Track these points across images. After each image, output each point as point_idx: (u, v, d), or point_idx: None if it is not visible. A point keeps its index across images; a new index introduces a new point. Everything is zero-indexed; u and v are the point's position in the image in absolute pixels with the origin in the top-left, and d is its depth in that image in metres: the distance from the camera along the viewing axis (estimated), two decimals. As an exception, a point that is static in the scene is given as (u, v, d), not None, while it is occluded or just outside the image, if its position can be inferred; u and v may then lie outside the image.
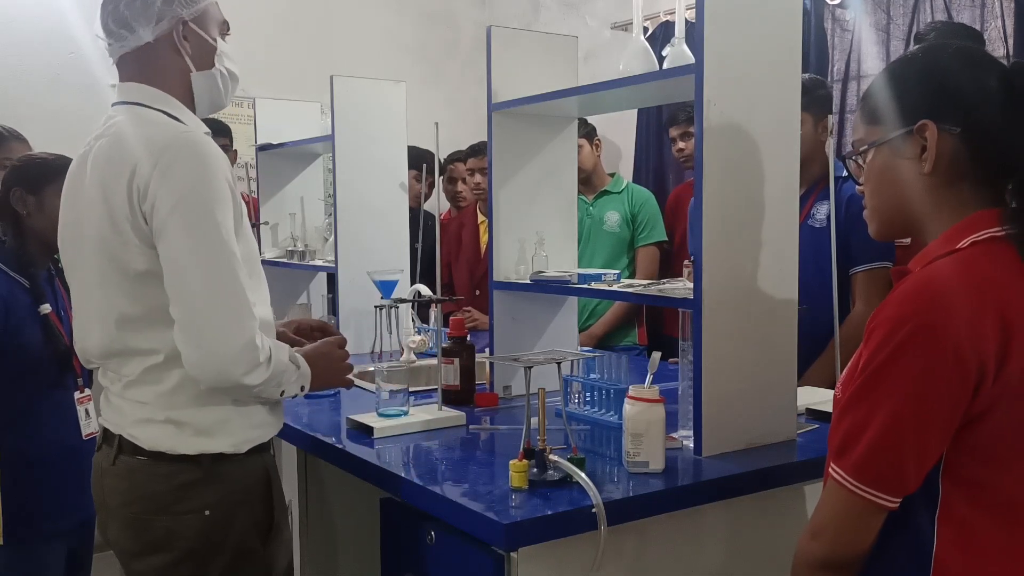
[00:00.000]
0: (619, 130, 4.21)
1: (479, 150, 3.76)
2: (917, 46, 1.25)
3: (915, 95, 1.17)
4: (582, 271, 2.15)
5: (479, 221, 3.85)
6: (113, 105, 1.61)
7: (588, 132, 3.41)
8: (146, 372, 1.52)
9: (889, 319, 1.09)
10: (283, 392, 1.56)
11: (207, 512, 1.52)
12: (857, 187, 1.28)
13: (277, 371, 1.51)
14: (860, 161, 1.24)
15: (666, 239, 3.43)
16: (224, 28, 1.66)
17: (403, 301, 2.29)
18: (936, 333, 1.05)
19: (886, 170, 1.20)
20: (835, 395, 1.23)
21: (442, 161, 4.13)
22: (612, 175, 3.57)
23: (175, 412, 1.52)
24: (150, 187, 1.44)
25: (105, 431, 1.60)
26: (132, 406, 1.54)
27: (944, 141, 1.14)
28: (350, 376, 1.77)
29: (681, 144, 3.41)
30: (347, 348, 1.77)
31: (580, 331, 3.24)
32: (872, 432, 1.08)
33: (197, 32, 1.59)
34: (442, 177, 4.19)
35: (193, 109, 1.63)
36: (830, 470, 1.14)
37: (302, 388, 1.60)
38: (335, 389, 1.77)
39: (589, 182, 3.45)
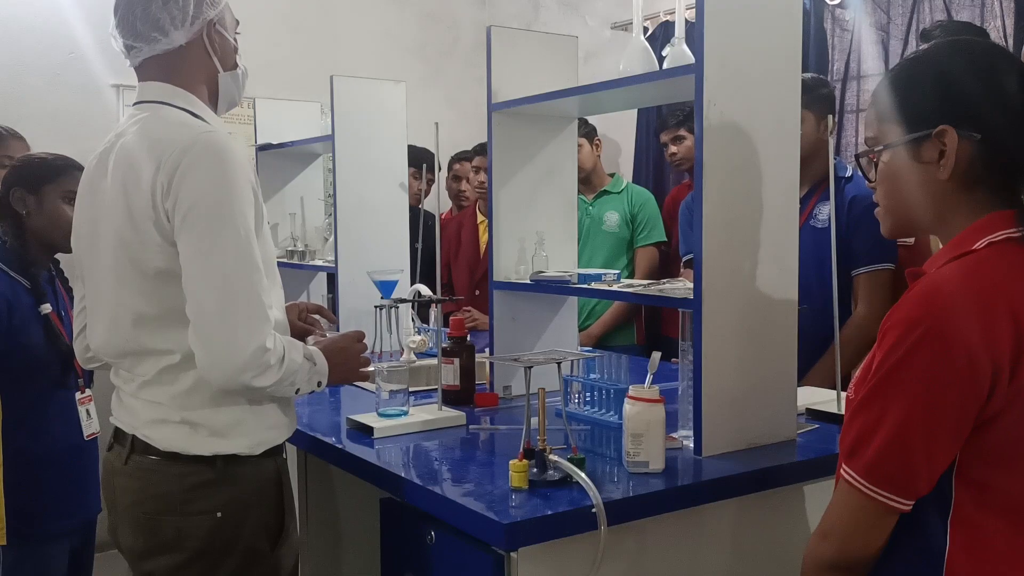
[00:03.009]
0: (619, 130, 4.21)
1: (484, 149, 3.76)
2: (934, 42, 1.23)
3: (934, 98, 1.15)
4: (582, 271, 2.15)
5: (478, 221, 3.86)
6: (135, 104, 1.61)
7: (588, 132, 3.41)
8: (162, 372, 1.52)
9: (902, 321, 1.08)
10: (298, 390, 1.55)
11: (219, 514, 1.52)
12: (868, 184, 1.27)
13: (290, 371, 1.50)
14: (874, 159, 1.23)
15: (665, 240, 3.43)
16: (236, 26, 1.67)
17: (403, 301, 2.29)
18: (948, 335, 1.05)
19: (901, 172, 1.19)
20: (847, 396, 1.22)
21: (442, 161, 4.13)
22: (612, 175, 3.57)
23: (190, 413, 1.52)
24: (172, 186, 1.44)
25: (117, 430, 1.60)
26: (146, 406, 1.54)
27: (963, 146, 1.13)
28: (366, 370, 1.75)
29: (673, 148, 3.41)
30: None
31: (579, 331, 3.25)
32: (883, 433, 1.08)
33: (222, 32, 1.60)
34: (448, 175, 4.20)
35: (214, 109, 1.64)
36: (841, 471, 1.13)
37: (319, 384, 1.59)
38: (352, 383, 1.76)
39: (589, 182, 3.45)
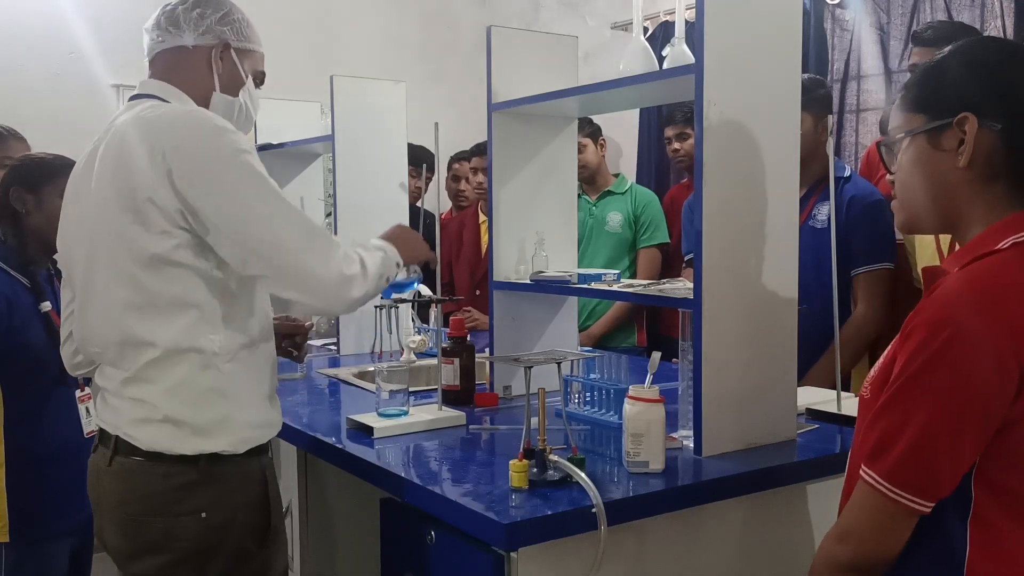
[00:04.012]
0: (620, 130, 4.22)
1: (483, 150, 3.76)
2: (966, 39, 1.23)
3: (958, 87, 1.15)
4: (582, 271, 2.15)
5: (480, 221, 3.85)
6: (130, 99, 1.65)
7: (593, 132, 3.40)
8: (145, 368, 1.52)
9: (928, 321, 1.07)
10: (389, 279, 1.66)
11: (203, 514, 1.52)
12: (888, 176, 1.26)
13: (374, 269, 1.60)
14: (895, 149, 1.22)
15: (668, 241, 3.41)
16: (260, 77, 1.74)
17: (403, 301, 2.29)
18: (977, 337, 1.04)
19: (920, 161, 1.18)
20: (861, 395, 1.21)
21: (442, 161, 4.13)
22: (617, 175, 3.56)
23: (174, 411, 1.52)
24: (180, 160, 1.47)
25: (102, 432, 1.60)
26: (130, 404, 1.54)
27: (983, 136, 1.12)
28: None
29: (676, 144, 3.41)
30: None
31: (579, 331, 3.24)
32: (909, 436, 1.07)
33: (234, 60, 1.67)
34: (447, 175, 4.20)
35: None
36: (862, 473, 1.12)
37: (398, 265, 1.68)
38: (423, 262, 1.84)
39: (593, 182, 3.44)
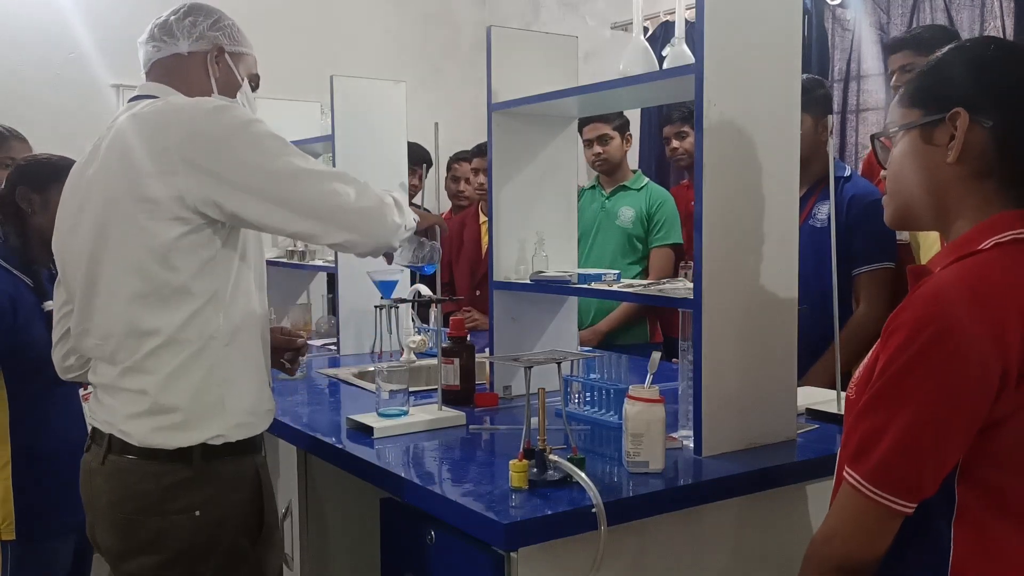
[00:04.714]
0: (620, 130, 4.21)
1: (485, 150, 3.75)
2: (967, 38, 1.22)
3: (953, 83, 1.15)
4: (582, 271, 2.15)
5: (481, 221, 3.85)
6: (130, 100, 1.66)
7: (621, 125, 3.38)
8: (145, 358, 1.52)
9: (910, 322, 1.07)
10: (416, 221, 1.72)
11: (197, 512, 1.52)
12: (883, 172, 1.26)
13: (404, 204, 1.67)
14: (888, 143, 1.22)
15: (681, 241, 3.38)
16: (254, 80, 1.79)
17: (403, 301, 2.29)
18: (959, 337, 1.03)
19: (911, 154, 1.18)
20: (847, 396, 1.21)
21: (442, 161, 4.13)
22: (635, 171, 3.53)
23: (170, 400, 1.52)
24: (197, 147, 1.49)
25: (95, 431, 1.60)
26: (126, 398, 1.54)
27: (974, 132, 1.12)
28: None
29: (675, 143, 3.40)
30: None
31: (586, 327, 3.22)
32: (891, 437, 1.06)
33: (229, 64, 1.72)
34: (446, 176, 4.20)
35: None
36: (844, 474, 1.12)
37: (415, 220, 1.74)
38: (432, 226, 1.88)
39: (612, 175, 3.43)
